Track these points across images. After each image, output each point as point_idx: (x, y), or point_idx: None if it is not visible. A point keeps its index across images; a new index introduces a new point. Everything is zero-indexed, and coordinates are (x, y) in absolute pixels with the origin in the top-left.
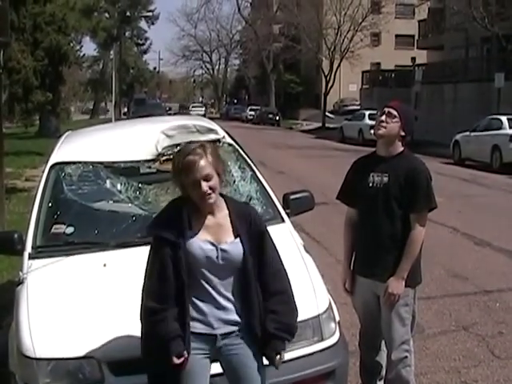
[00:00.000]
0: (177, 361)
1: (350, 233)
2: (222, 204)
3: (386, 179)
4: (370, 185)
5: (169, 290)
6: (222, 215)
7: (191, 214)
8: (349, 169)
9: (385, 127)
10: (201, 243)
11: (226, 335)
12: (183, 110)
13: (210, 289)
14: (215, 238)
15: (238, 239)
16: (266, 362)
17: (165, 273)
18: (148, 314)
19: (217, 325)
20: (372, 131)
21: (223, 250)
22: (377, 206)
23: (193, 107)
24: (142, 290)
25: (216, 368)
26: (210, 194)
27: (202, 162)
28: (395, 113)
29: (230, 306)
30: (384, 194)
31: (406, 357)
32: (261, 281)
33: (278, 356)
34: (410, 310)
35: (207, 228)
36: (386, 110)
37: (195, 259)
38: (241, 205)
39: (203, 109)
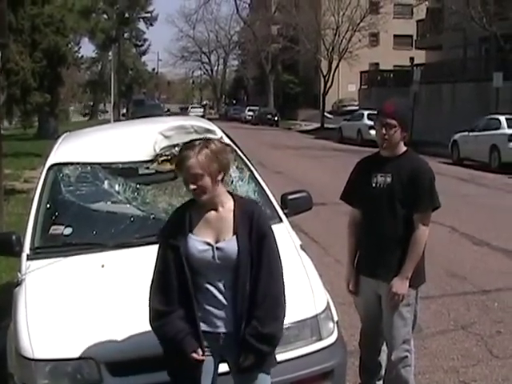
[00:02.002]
0: (196, 356)
1: (353, 233)
2: (228, 201)
3: (389, 179)
4: (374, 185)
5: (173, 293)
6: (226, 212)
7: (194, 213)
8: (352, 169)
9: (388, 139)
10: (197, 244)
11: (228, 334)
12: (184, 112)
13: (212, 288)
14: (214, 236)
15: (234, 236)
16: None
17: (168, 276)
18: (155, 318)
19: (219, 323)
20: (371, 132)
21: (219, 249)
22: (381, 206)
23: (192, 108)
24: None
25: (224, 367)
26: (198, 193)
27: (190, 162)
28: (394, 122)
29: (231, 304)
30: (388, 195)
31: (407, 356)
32: (254, 280)
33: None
34: (411, 310)
35: (208, 225)
36: (384, 121)
37: (194, 260)
38: (247, 202)
39: (202, 110)
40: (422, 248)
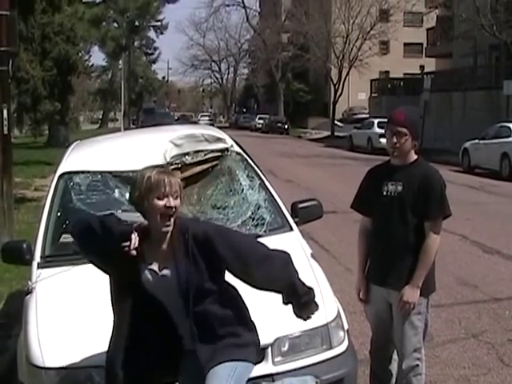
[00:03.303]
0: None
1: (364, 242)
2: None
3: (400, 188)
4: (385, 193)
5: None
6: (167, 241)
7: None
8: (363, 178)
9: (398, 147)
10: (147, 273)
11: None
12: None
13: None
14: (160, 265)
15: (173, 263)
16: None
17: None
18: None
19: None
20: (381, 140)
21: (164, 275)
22: (391, 214)
23: (201, 117)
24: None
25: None
26: (171, 215)
27: (173, 180)
28: (405, 130)
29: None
30: (398, 203)
31: (418, 365)
32: (247, 269)
33: None
34: (422, 319)
35: (156, 256)
36: (395, 129)
37: (147, 291)
38: (182, 223)
39: (208, 118)
40: (433, 256)
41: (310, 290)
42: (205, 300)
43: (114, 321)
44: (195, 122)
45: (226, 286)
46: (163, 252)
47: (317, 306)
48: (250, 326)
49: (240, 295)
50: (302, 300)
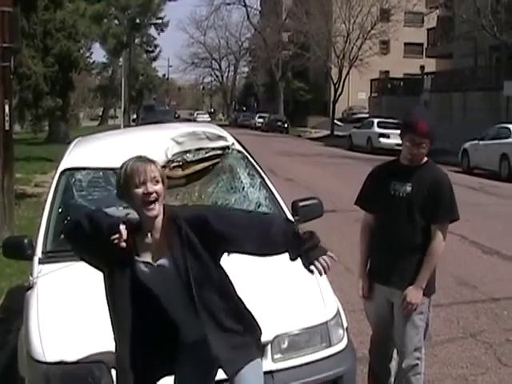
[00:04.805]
0: None
1: (367, 239)
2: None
3: (409, 188)
4: (392, 193)
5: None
6: (159, 229)
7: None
8: (368, 174)
9: (418, 156)
10: (141, 266)
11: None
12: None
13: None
14: (154, 256)
15: (169, 253)
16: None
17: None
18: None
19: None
20: (380, 140)
21: (160, 266)
22: (399, 214)
23: (198, 114)
24: None
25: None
26: (153, 201)
27: (149, 166)
28: (427, 141)
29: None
30: (407, 204)
31: (417, 364)
32: (249, 245)
33: None
34: (424, 318)
35: (149, 248)
36: (418, 140)
37: (143, 284)
38: (171, 210)
39: (208, 116)
40: (438, 258)
41: (312, 233)
42: (207, 287)
43: (112, 319)
44: (189, 120)
45: (224, 273)
46: (157, 243)
47: (325, 249)
48: (253, 317)
49: (234, 287)
50: (306, 246)
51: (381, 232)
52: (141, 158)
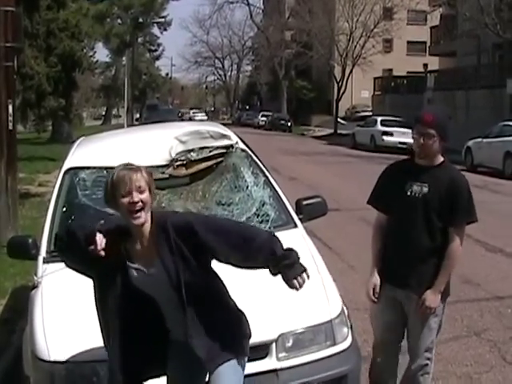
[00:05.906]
0: None
1: (379, 239)
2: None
3: (425, 189)
4: (409, 193)
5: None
6: (148, 236)
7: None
8: (381, 174)
9: (425, 149)
10: (133, 272)
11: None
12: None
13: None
14: (145, 262)
15: (159, 258)
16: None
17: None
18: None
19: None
20: (384, 138)
21: (151, 271)
22: (415, 216)
23: (193, 113)
24: None
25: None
26: (139, 210)
27: (135, 175)
28: (433, 132)
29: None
30: (423, 205)
31: (427, 364)
32: (231, 253)
33: None
34: (438, 321)
35: (140, 254)
36: (423, 130)
37: (134, 288)
38: (160, 217)
39: (204, 114)
40: (456, 261)
41: (291, 251)
42: (196, 291)
43: (101, 322)
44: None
45: (215, 276)
46: (146, 249)
47: (303, 267)
48: (242, 318)
49: (226, 288)
50: (283, 263)
51: (396, 233)
52: (127, 166)
